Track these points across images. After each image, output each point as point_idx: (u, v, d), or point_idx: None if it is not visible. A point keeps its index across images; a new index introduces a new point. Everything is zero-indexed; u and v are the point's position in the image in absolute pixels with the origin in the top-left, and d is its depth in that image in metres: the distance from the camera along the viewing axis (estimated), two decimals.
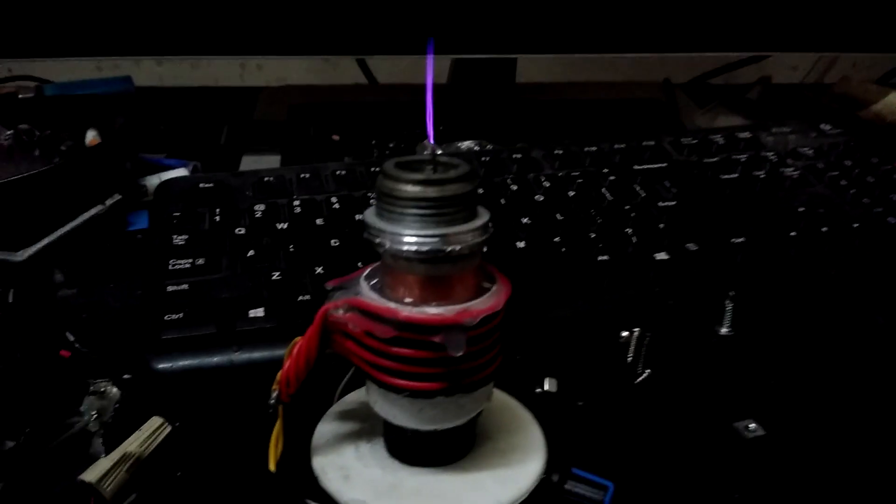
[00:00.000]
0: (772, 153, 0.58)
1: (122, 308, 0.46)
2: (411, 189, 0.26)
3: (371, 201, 0.50)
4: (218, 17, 0.56)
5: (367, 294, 0.27)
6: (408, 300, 0.27)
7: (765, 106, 0.76)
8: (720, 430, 0.36)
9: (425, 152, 0.28)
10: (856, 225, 0.50)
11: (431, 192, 0.26)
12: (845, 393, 0.39)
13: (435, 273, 0.27)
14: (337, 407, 0.34)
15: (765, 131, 0.62)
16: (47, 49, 0.56)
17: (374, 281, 0.28)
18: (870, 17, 0.64)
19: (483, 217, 0.27)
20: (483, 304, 0.27)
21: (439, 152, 0.28)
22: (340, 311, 0.28)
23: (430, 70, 0.26)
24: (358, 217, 0.49)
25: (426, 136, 0.29)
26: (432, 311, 0.26)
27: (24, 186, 0.47)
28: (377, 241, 0.26)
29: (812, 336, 0.44)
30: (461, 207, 0.26)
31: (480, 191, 0.51)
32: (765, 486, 0.33)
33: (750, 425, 0.36)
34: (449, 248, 0.26)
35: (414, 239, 0.26)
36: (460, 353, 0.26)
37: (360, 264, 0.44)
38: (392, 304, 0.27)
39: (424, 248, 0.26)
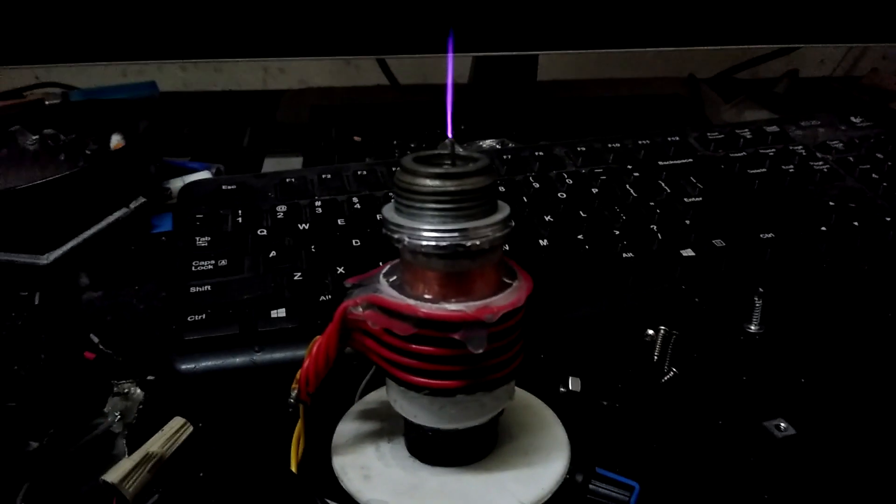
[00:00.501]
0: (800, 147, 0.57)
1: (145, 310, 0.46)
2: (429, 183, 0.25)
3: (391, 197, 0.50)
4: (240, 20, 0.56)
5: (386, 291, 0.27)
6: (427, 297, 0.26)
7: (792, 99, 0.74)
8: (749, 429, 0.36)
9: (444, 141, 0.27)
10: (888, 219, 0.49)
11: (450, 185, 0.25)
12: (878, 391, 0.38)
13: (454, 269, 0.26)
14: (357, 406, 0.34)
15: (793, 125, 0.60)
16: (73, 54, 0.57)
17: (394, 278, 0.28)
18: None
19: (503, 211, 0.27)
20: (504, 301, 0.26)
21: (459, 149, 0.27)
22: (359, 309, 0.27)
23: (451, 61, 0.26)
24: (379, 217, 0.48)
25: (446, 137, 0.28)
26: (452, 307, 0.26)
27: (49, 190, 0.48)
28: (396, 236, 0.26)
29: (843, 333, 0.43)
30: (480, 201, 0.26)
31: (502, 189, 0.51)
32: (795, 487, 0.33)
33: (780, 424, 0.36)
34: (469, 244, 0.25)
35: (433, 234, 0.25)
36: (481, 351, 0.25)
37: (381, 264, 0.43)
38: (411, 301, 0.26)
39: (443, 244, 0.25)
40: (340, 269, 0.43)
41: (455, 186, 0.25)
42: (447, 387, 0.27)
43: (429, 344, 0.26)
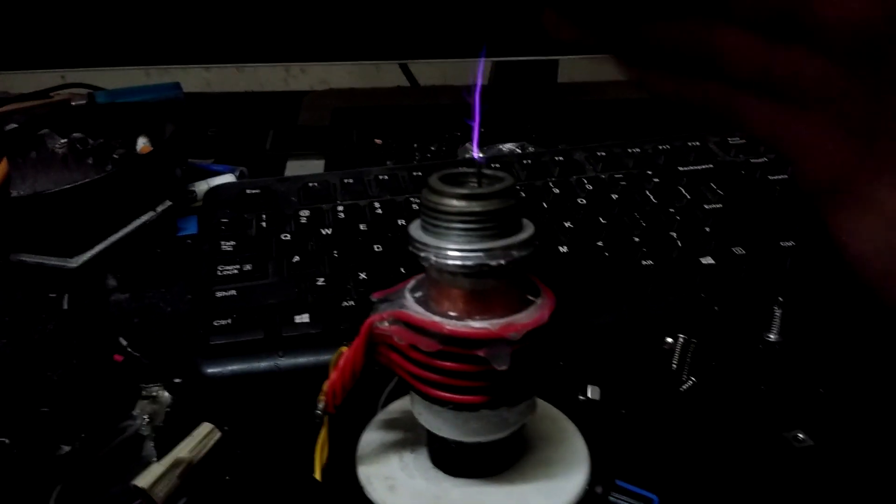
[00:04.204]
0: None
1: (172, 312, 0.47)
2: (456, 203, 0.26)
3: (414, 205, 0.51)
4: (264, 25, 0.57)
5: (412, 307, 0.28)
6: (452, 313, 0.27)
7: None
8: (768, 440, 0.36)
9: (468, 155, 0.28)
10: None
11: (476, 206, 0.26)
12: None
13: (479, 287, 0.27)
14: (381, 416, 0.34)
15: None
16: (99, 58, 0.58)
17: (419, 293, 0.29)
18: None
19: (528, 230, 0.27)
20: (527, 318, 0.27)
21: (481, 156, 0.28)
22: (386, 324, 0.28)
23: (480, 77, 0.26)
24: (401, 222, 0.49)
25: (467, 139, 0.29)
26: (476, 325, 0.26)
27: (78, 194, 0.49)
28: (422, 255, 0.27)
29: (863, 343, 0.43)
30: (505, 221, 0.26)
31: (522, 194, 0.52)
32: (813, 499, 0.33)
33: (798, 436, 0.36)
34: (494, 263, 0.26)
35: (458, 253, 0.26)
36: (505, 368, 0.26)
37: (402, 270, 0.44)
38: (437, 318, 0.27)
39: (469, 263, 0.26)
40: (362, 275, 0.44)
41: (480, 207, 0.26)
42: (471, 402, 0.27)
43: (453, 360, 0.27)
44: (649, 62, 0.27)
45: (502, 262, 0.26)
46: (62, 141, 0.56)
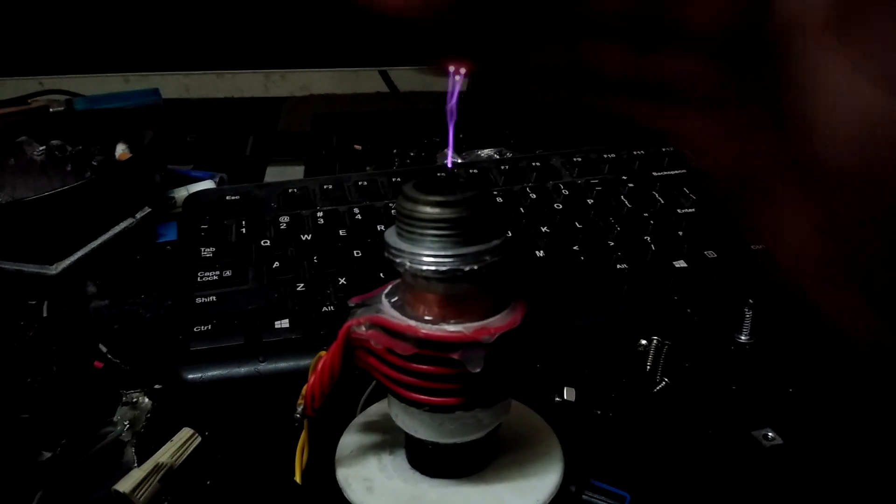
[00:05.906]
0: None
1: (152, 318, 0.47)
2: (429, 210, 0.26)
3: (393, 211, 0.51)
4: (243, 31, 0.57)
5: (388, 312, 0.28)
6: (427, 318, 0.28)
7: None
8: (738, 438, 0.36)
9: (444, 161, 0.28)
10: None
11: (448, 213, 0.26)
12: (865, 401, 0.39)
13: (453, 292, 0.27)
14: (360, 418, 0.35)
15: None
16: (78, 65, 0.58)
17: (395, 298, 0.29)
18: None
19: (501, 236, 0.28)
20: (501, 322, 0.28)
21: (458, 161, 0.28)
22: (362, 328, 0.28)
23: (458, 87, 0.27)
24: (380, 228, 0.50)
25: (446, 145, 0.29)
26: (451, 328, 0.27)
27: (57, 201, 0.49)
28: (397, 261, 0.27)
29: (831, 343, 0.43)
30: (478, 227, 0.27)
31: (500, 199, 0.53)
32: (782, 496, 0.34)
33: (768, 434, 0.37)
34: (467, 268, 0.26)
35: (432, 259, 0.27)
36: (479, 370, 0.27)
37: (382, 275, 0.45)
38: (412, 322, 0.27)
39: (443, 268, 0.26)
40: (342, 280, 0.44)
41: (453, 213, 0.26)
42: (446, 404, 0.28)
43: (429, 363, 0.27)
44: (534, 79, 0.26)
45: (475, 267, 0.27)
46: (40, 148, 0.56)
